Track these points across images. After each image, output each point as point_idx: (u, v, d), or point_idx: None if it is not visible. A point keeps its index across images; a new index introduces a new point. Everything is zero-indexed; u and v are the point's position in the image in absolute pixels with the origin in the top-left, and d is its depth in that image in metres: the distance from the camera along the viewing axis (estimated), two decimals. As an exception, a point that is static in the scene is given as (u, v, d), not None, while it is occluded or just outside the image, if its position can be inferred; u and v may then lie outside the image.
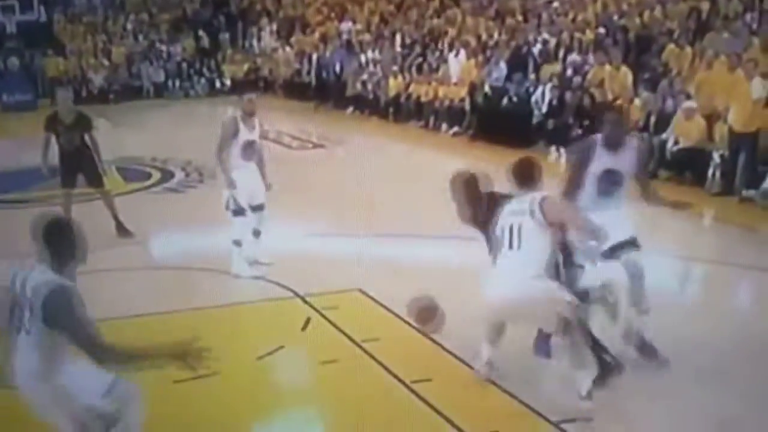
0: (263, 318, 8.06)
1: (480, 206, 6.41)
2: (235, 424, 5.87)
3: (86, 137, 10.92)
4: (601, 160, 6.44)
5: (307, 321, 7.70)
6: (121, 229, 10.89)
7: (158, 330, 7.00)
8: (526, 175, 6.09)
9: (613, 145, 6.43)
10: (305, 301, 8.15)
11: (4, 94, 28.81)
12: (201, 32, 33.18)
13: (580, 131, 14.76)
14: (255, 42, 33.05)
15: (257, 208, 9.30)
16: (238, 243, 9.16)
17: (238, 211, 9.15)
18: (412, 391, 6.17)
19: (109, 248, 9.31)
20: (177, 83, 30.90)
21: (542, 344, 6.35)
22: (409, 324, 6.94)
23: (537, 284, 5.76)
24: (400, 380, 6.37)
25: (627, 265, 6.37)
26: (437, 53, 22.63)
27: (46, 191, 12.66)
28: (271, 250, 9.38)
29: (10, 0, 31.80)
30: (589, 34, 18.37)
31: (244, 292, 8.63)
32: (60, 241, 4.53)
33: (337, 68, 26.52)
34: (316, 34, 30.12)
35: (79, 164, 10.90)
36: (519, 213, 5.86)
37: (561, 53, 18.50)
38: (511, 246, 5.83)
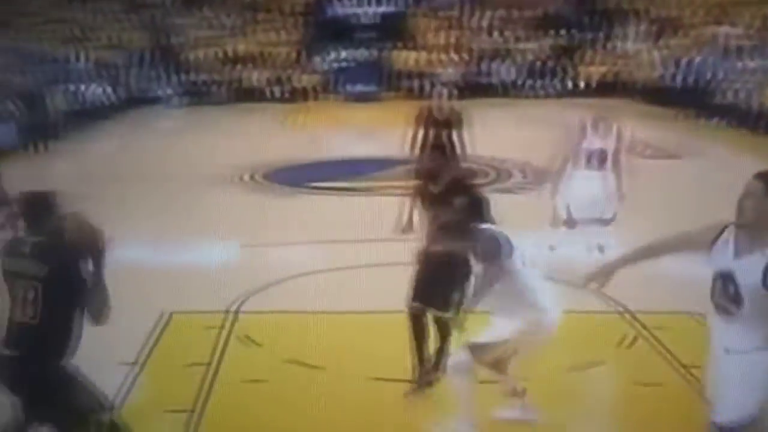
0: (580, 329, 7.97)
1: None
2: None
3: (454, 134, 11.39)
4: None
5: (634, 339, 7.66)
6: None
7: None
8: None
9: None
10: (635, 318, 8.01)
11: (348, 84, 30.93)
12: (561, 31, 33.41)
13: None
14: (618, 43, 32.73)
15: (600, 222, 9.23)
16: (552, 248, 9.16)
17: (569, 222, 9.16)
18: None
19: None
20: (527, 82, 31.40)
21: None
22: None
23: None
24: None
25: None
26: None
27: (379, 181, 13.39)
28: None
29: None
30: None
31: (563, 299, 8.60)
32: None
33: (708, 74, 25.68)
34: (689, 37, 29.34)
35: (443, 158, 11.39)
36: None
37: None
38: None
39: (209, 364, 7.29)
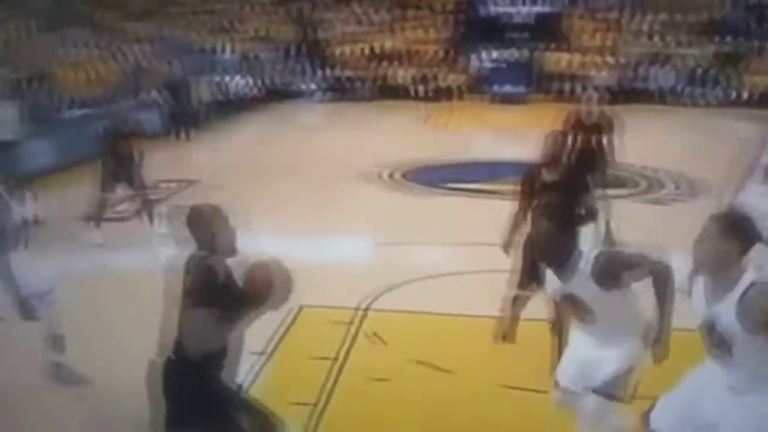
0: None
1: None
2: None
3: (604, 139, 11.25)
4: None
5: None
6: (607, 239, 10.91)
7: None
8: None
9: None
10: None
11: (495, 85, 31.03)
12: (727, 37, 32.56)
13: None
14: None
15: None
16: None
17: None
18: None
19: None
20: (686, 90, 30.73)
21: None
22: None
23: None
24: None
25: None
26: None
27: (518, 185, 13.27)
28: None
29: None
30: None
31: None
32: None
33: None
34: None
35: (590, 165, 11.18)
36: None
37: None
38: None
39: (335, 358, 7.43)
